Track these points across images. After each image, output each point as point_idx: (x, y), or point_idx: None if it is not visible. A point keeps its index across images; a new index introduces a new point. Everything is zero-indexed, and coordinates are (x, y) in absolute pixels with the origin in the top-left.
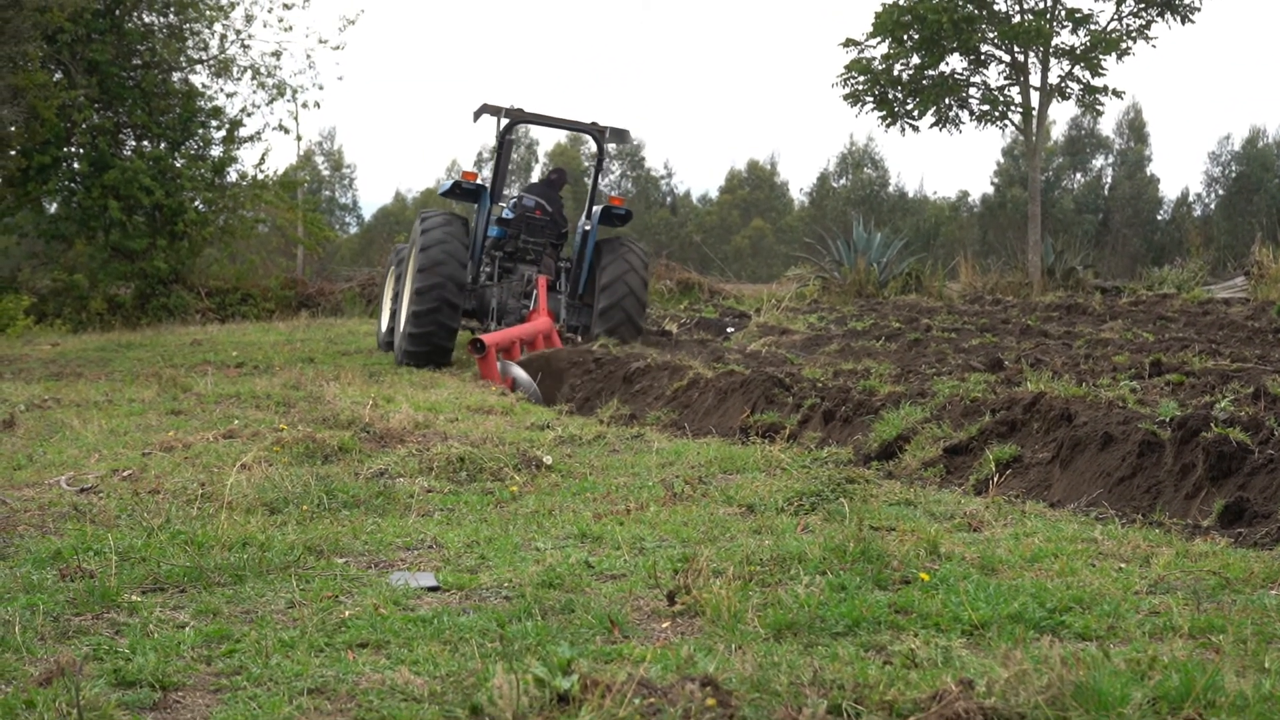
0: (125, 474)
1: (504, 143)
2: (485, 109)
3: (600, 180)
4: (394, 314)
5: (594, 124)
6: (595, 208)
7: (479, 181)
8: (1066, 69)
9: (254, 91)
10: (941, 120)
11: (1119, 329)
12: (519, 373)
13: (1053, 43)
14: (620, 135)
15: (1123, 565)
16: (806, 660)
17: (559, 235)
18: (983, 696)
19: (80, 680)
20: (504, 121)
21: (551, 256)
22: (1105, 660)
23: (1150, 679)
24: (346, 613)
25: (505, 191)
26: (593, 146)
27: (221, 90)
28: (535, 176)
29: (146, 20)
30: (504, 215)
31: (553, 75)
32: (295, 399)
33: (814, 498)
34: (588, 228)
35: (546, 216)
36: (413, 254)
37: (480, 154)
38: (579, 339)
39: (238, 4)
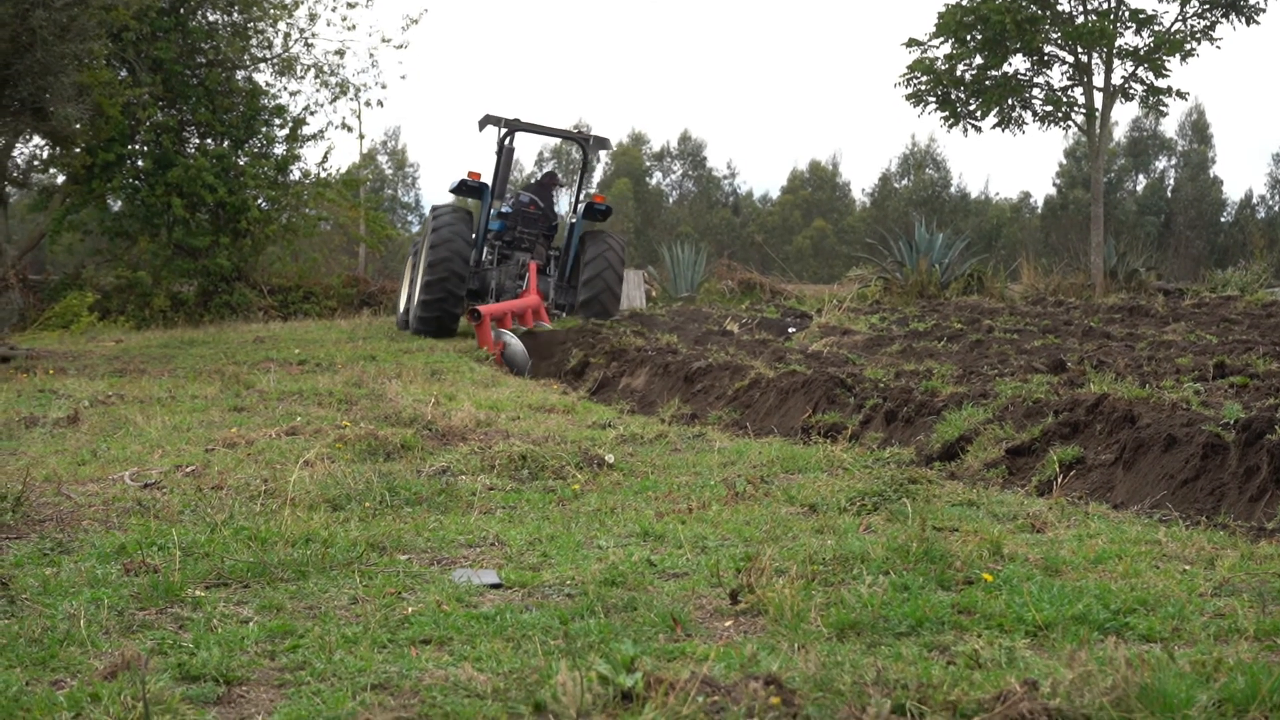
0: (188, 470)
1: (503, 148)
2: (488, 119)
3: (591, 180)
4: (410, 296)
5: (580, 133)
6: (580, 204)
7: (483, 180)
8: (1130, 70)
9: (317, 90)
10: (1004, 121)
11: (1182, 331)
12: (511, 341)
13: (1116, 43)
14: (603, 143)
15: (1187, 567)
16: (870, 660)
17: (550, 227)
18: (1047, 697)
19: (146, 675)
20: (503, 130)
21: (543, 245)
22: (1170, 662)
23: (1215, 681)
24: (409, 609)
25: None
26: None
27: (285, 88)
28: (598, 172)
29: (211, 18)
30: (503, 210)
31: (615, 75)
32: (357, 396)
33: (876, 498)
34: (574, 221)
35: (539, 211)
36: (425, 243)
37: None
38: (564, 314)
39: (301, 2)
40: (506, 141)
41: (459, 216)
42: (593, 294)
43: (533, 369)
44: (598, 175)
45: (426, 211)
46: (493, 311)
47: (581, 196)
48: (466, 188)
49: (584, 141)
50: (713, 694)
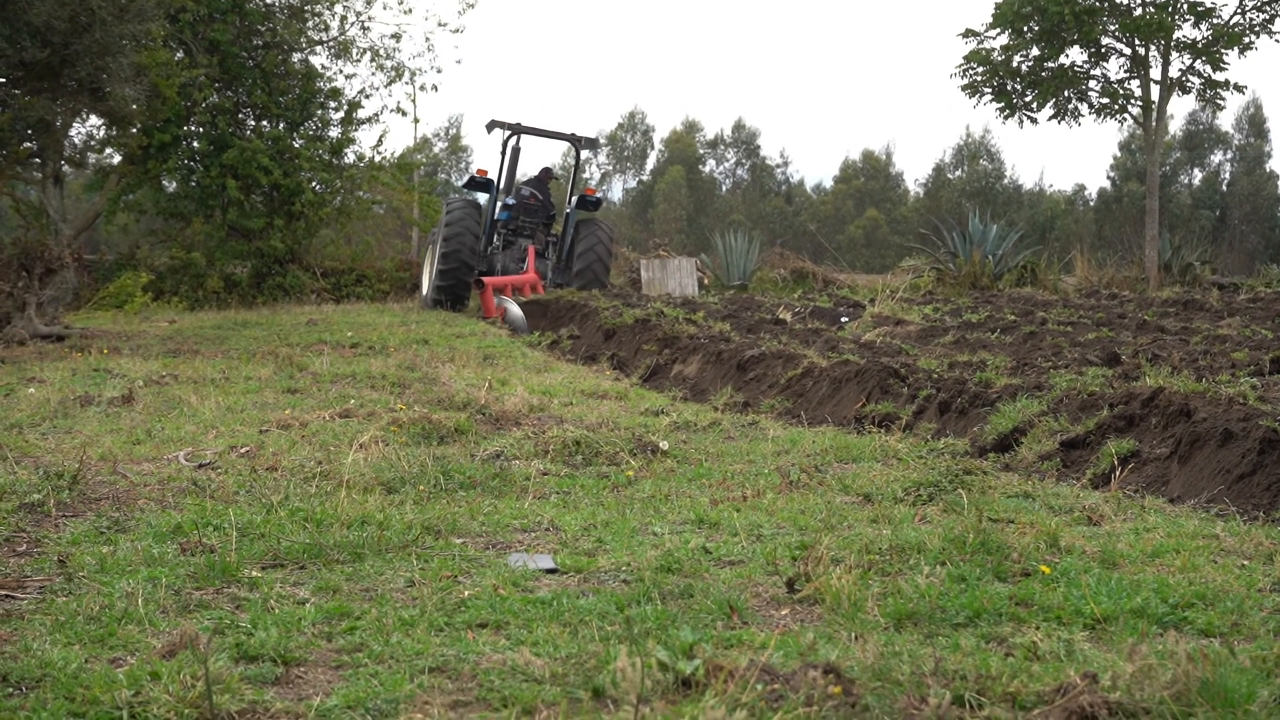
0: (243, 451)
1: (506, 148)
2: (494, 124)
3: (580, 174)
4: (430, 277)
5: (573, 134)
6: (574, 196)
7: (489, 176)
8: (1187, 63)
9: (372, 73)
10: (1060, 113)
11: (1237, 325)
12: (512, 307)
13: (1174, 36)
14: (592, 143)
15: (1245, 562)
16: (928, 650)
17: (548, 217)
18: (1108, 690)
19: (208, 655)
20: (507, 133)
21: (543, 232)
22: (1230, 657)
23: (1276, 677)
24: (466, 593)
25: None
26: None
27: (340, 71)
28: (651, 160)
29: (268, 1)
30: (508, 201)
31: (669, 62)
32: (410, 380)
33: (931, 488)
34: (568, 211)
35: (538, 202)
36: (440, 231)
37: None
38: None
39: None
40: (511, 142)
41: (468, 207)
42: (584, 273)
43: (528, 327)
44: (650, 163)
45: (480, 196)
46: (495, 283)
47: (576, 188)
48: (475, 183)
49: (575, 142)
50: (772, 682)
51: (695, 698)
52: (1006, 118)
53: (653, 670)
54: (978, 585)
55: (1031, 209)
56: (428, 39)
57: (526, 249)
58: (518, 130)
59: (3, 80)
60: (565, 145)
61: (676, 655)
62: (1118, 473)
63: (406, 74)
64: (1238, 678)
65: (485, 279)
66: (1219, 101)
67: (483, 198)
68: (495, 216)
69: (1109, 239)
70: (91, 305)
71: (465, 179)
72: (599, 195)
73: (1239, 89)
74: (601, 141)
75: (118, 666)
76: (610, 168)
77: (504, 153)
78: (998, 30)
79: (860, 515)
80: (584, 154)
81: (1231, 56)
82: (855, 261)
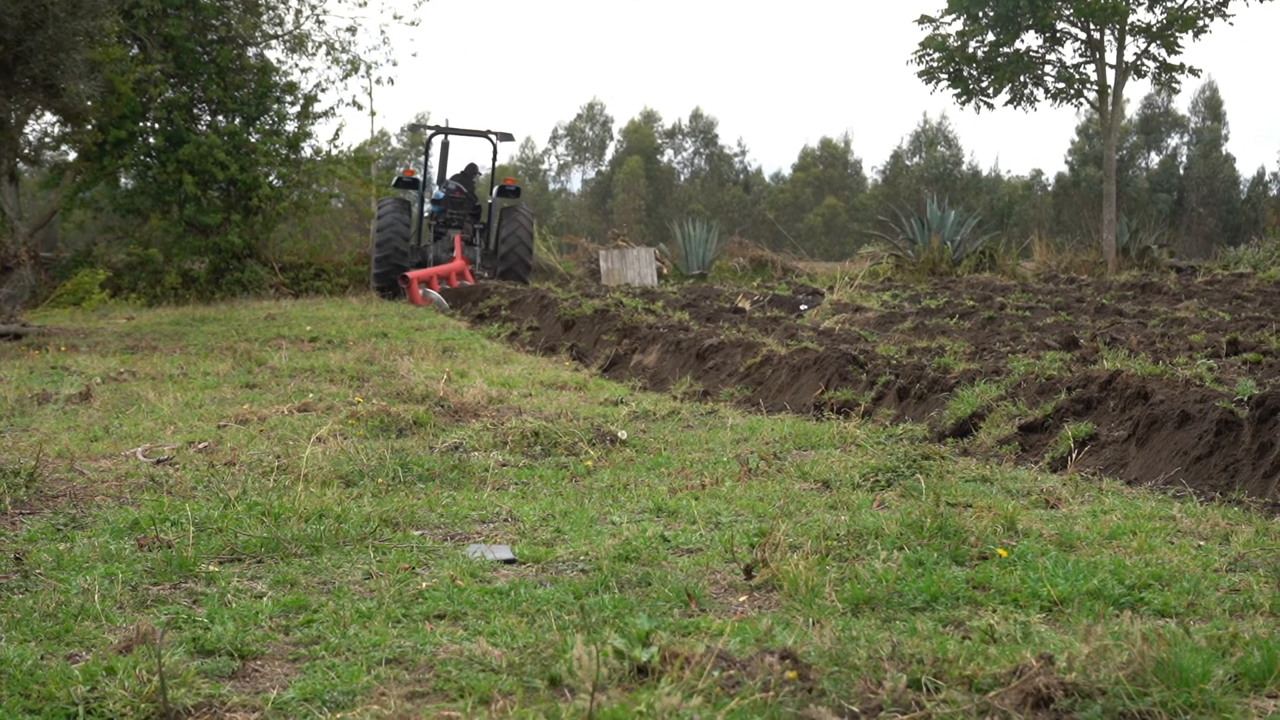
0: (201, 446)
1: (429, 147)
2: (417, 126)
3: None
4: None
5: (488, 131)
6: (495, 187)
7: (415, 176)
8: (1143, 46)
9: (328, 67)
10: (1016, 98)
11: (1194, 308)
12: (433, 294)
13: (1129, 20)
14: (506, 137)
15: (1202, 543)
16: (885, 635)
17: (474, 208)
18: (1063, 672)
19: (161, 648)
20: (430, 133)
21: (470, 223)
22: (1186, 637)
23: (1231, 656)
24: (423, 584)
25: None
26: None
27: (296, 66)
28: (610, 150)
29: None
30: (436, 196)
31: (627, 52)
32: (369, 373)
33: (890, 474)
34: (490, 201)
35: (463, 195)
36: (373, 231)
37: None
38: (486, 276)
39: None
40: (436, 141)
41: (397, 206)
42: (508, 256)
43: (453, 310)
44: (608, 154)
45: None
46: (419, 276)
47: (495, 179)
48: (403, 183)
49: (491, 137)
50: (728, 668)
51: (651, 685)
52: (963, 104)
53: (609, 658)
54: (935, 569)
55: (989, 194)
56: (383, 32)
57: (454, 239)
58: (440, 130)
59: None
60: (535, 138)
61: (633, 643)
62: (1075, 455)
63: (362, 67)
64: (1193, 657)
65: (409, 274)
66: (1174, 85)
67: (413, 195)
68: (425, 211)
69: (1067, 223)
70: (49, 303)
71: (394, 179)
72: (517, 185)
73: (1194, 72)
74: (515, 136)
75: (73, 662)
76: (569, 158)
77: (428, 152)
78: (953, 16)
79: (818, 502)
80: (499, 148)
81: (1186, 40)
82: (814, 249)
